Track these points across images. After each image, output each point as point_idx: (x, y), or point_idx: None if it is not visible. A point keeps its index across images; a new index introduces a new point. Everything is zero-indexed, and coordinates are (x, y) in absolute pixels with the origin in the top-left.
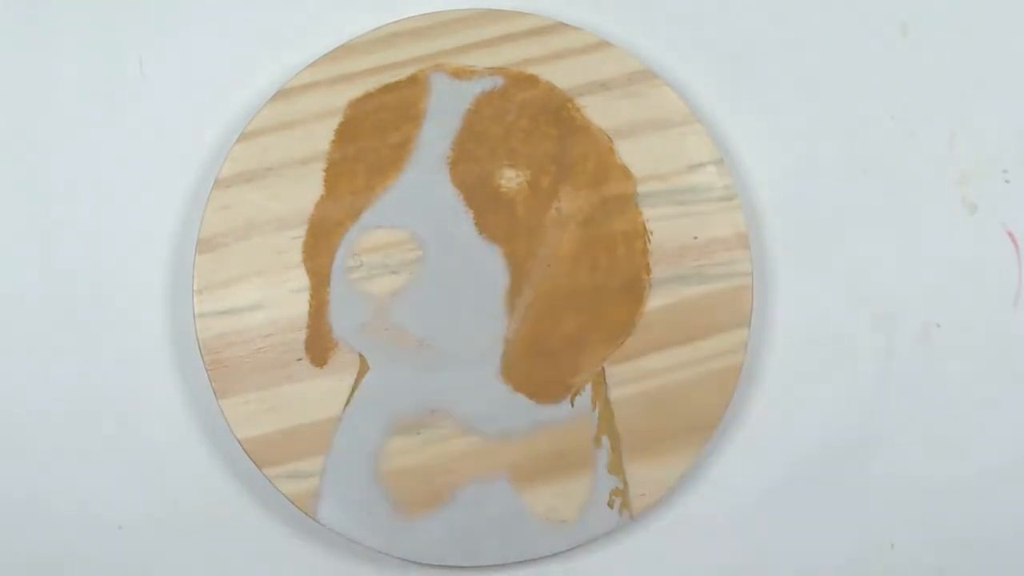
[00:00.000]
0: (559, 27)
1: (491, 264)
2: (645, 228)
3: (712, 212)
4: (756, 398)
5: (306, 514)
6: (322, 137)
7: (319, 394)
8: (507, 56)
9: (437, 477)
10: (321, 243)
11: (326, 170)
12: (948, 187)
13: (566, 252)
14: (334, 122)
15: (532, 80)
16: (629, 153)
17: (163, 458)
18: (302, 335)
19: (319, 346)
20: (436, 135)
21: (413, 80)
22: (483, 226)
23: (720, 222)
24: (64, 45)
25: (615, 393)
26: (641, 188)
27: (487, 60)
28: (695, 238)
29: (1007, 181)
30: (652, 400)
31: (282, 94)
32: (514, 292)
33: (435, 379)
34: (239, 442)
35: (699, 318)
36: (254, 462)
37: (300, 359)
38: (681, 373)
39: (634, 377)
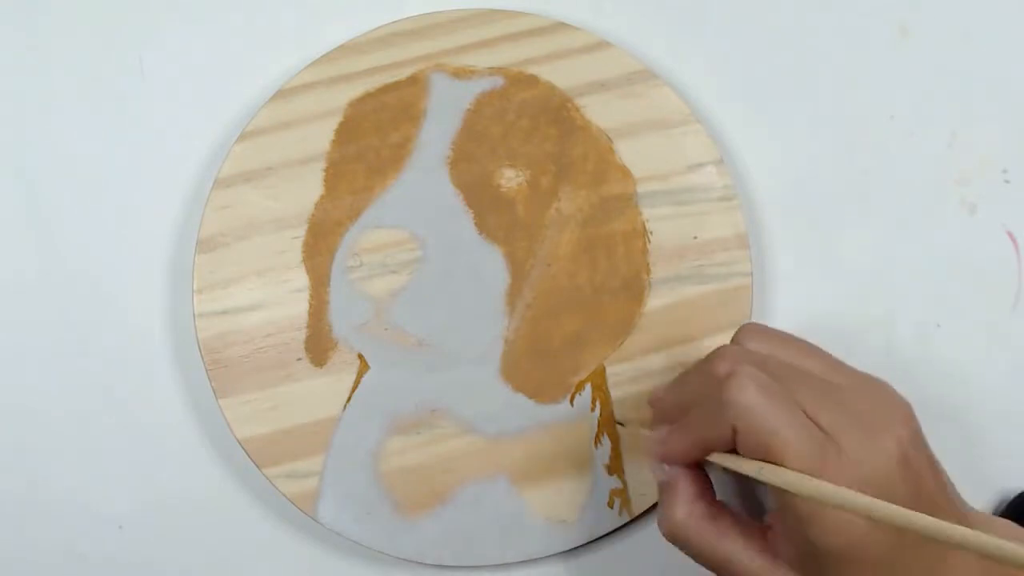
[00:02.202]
0: (559, 27)
1: (491, 264)
2: (645, 228)
3: (712, 212)
4: None
5: (306, 514)
6: (322, 137)
7: (319, 394)
8: (507, 56)
9: (437, 477)
10: (321, 243)
11: (326, 170)
12: (948, 187)
13: (566, 252)
14: (334, 122)
15: (532, 80)
16: (629, 153)
17: (163, 458)
18: (302, 335)
19: (319, 346)
20: (436, 135)
21: (413, 80)
22: (483, 226)
23: (720, 222)
24: (64, 45)
25: (615, 393)
26: (641, 188)
27: (487, 60)
28: (695, 238)
29: (1007, 181)
30: None
31: (282, 94)
32: (514, 292)
33: (435, 379)
34: (239, 442)
35: (699, 318)
36: (254, 462)
37: (300, 359)
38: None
39: (634, 377)
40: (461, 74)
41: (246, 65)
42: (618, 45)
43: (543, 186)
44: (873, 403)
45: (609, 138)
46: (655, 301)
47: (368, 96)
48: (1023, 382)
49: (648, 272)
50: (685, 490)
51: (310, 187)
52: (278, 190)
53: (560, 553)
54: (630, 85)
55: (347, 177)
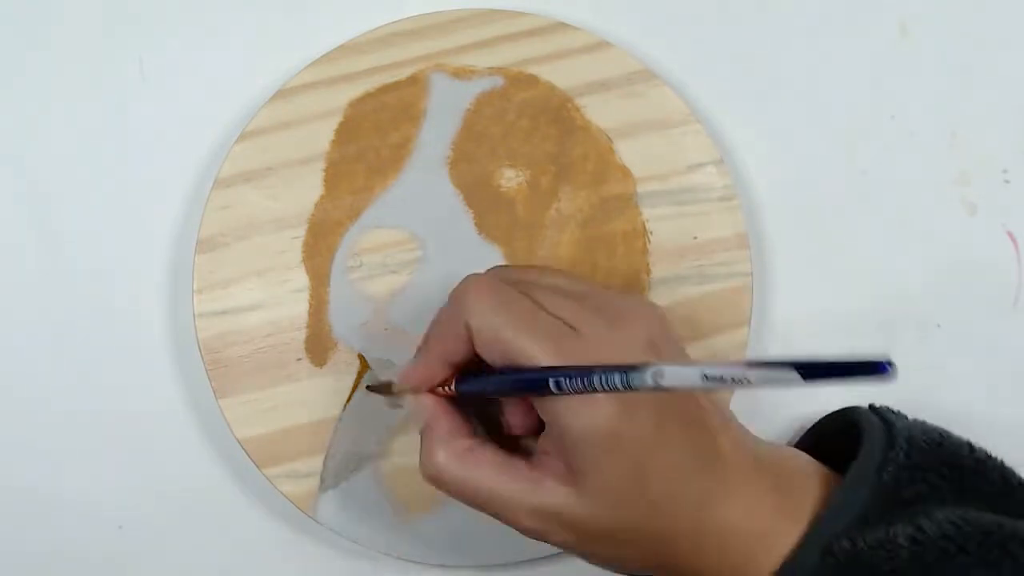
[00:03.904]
0: (559, 27)
1: (491, 264)
2: (645, 228)
3: (712, 212)
4: (756, 398)
5: (306, 514)
6: (322, 137)
7: (319, 394)
8: (507, 56)
9: None
10: (321, 243)
11: (326, 170)
12: (948, 187)
13: (566, 252)
14: (334, 122)
15: (532, 80)
16: (629, 153)
17: (163, 458)
18: (302, 335)
19: (319, 346)
20: (436, 135)
21: (413, 80)
22: (483, 226)
23: (720, 222)
24: (64, 45)
25: None
26: (641, 188)
27: (487, 60)
28: (695, 238)
29: (1007, 181)
30: None
31: (282, 94)
32: None
33: None
34: (239, 442)
35: (699, 318)
36: (254, 462)
37: (300, 359)
38: None
39: None
40: (461, 74)
41: (246, 65)
42: (618, 45)
43: (543, 186)
44: (622, 303)
45: (609, 138)
46: (655, 301)
47: (368, 96)
48: (1023, 382)
49: (648, 272)
50: (440, 428)
51: (310, 187)
52: (278, 190)
53: (560, 553)
54: (630, 85)
55: (347, 177)
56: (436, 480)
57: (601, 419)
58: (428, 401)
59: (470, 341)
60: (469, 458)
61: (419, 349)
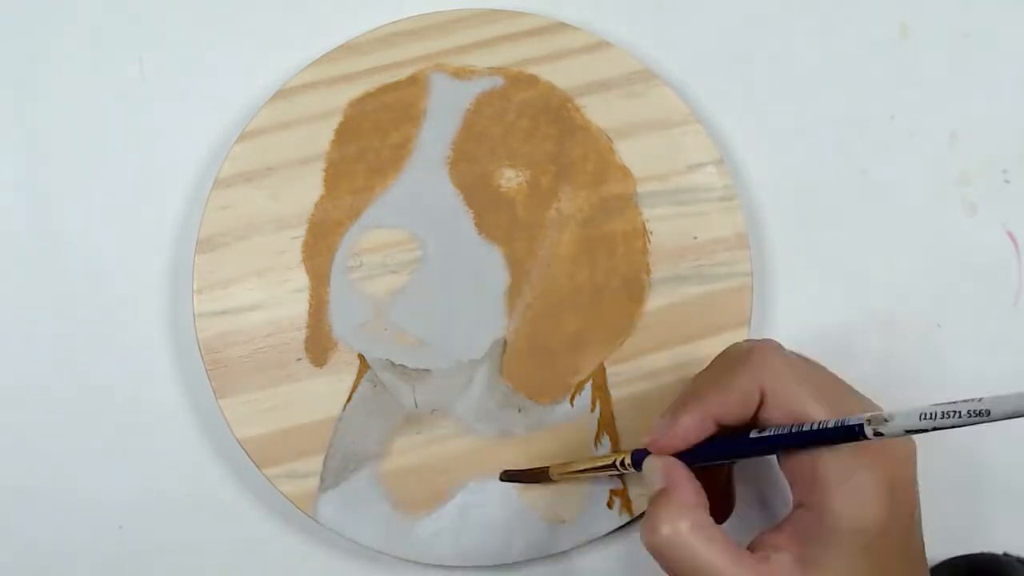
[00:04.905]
0: (559, 27)
1: (491, 264)
2: (645, 228)
3: (712, 212)
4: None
5: (306, 514)
6: (322, 137)
7: (319, 394)
8: (507, 56)
9: (437, 477)
10: (321, 243)
11: (326, 170)
12: (948, 187)
13: (566, 252)
14: (334, 122)
15: (532, 80)
16: (629, 153)
17: (163, 458)
18: (302, 335)
19: (319, 346)
20: (436, 135)
21: (413, 80)
22: (483, 226)
23: (720, 222)
24: (64, 45)
25: (615, 393)
26: (641, 188)
27: (487, 60)
28: (695, 238)
29: (1007, 181)
30: (652, 400)
31: (282, 94)
32: (514, 292)
33: (435, 379)
34: (239, 442)
35: (699, 318)
36: (254, 462)
37: (300, 359)
38: (681, 373)
39: (634, 377)
40: (461, 74)
41: (246, 65)
42: (618, 45)
43: (543, 186)
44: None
45: (609, 138)
46: (655, 301)
47: (368, 96)
48: (1023, 382)
49: (648, 272)
50: (685, 495)
51: (310, 187)
52: (278, 190)
53: (560, 553)
54: (630, 85)
55: (347, 177)
56: (667, 547)
57: (873, 508)
58: (674, 464)
59: (758, 401)
60: (706, 533)
61: (681, 408)
